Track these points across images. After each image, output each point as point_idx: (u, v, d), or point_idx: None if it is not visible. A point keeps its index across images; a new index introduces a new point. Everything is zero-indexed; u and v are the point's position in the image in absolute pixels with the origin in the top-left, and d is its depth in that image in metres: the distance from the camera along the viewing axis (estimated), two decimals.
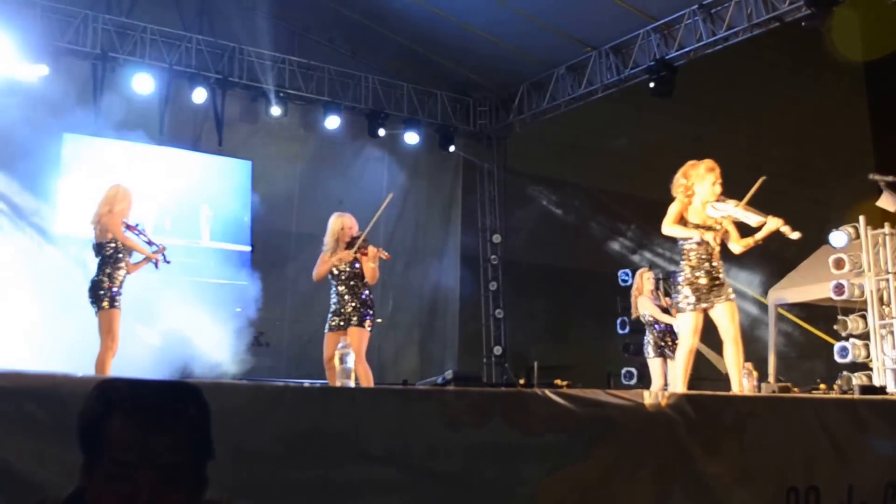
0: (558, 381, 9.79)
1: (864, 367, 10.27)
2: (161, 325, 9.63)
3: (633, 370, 12.54)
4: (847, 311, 10.44)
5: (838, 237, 10.13)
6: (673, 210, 5.91)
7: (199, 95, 11.83)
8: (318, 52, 13.11)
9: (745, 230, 5.93)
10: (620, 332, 12.46)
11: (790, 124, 14.58)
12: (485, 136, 14.86)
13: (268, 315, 11.58)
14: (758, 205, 5.79)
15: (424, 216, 14.27)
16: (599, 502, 3.45)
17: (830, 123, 15.69)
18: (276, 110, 12.46)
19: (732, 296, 5.90)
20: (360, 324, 6.73)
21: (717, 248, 5.88)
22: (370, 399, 3.32)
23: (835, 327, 10.44)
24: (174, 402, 1.77)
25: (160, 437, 1.69)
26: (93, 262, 6.83)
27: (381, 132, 13.36)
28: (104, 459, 1.68)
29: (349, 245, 6.89)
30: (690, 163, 6.03)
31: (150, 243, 7.07)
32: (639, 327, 9.73)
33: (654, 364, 9.09)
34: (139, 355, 8.01)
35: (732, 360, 5.79)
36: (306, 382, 5.10)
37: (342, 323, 6.78)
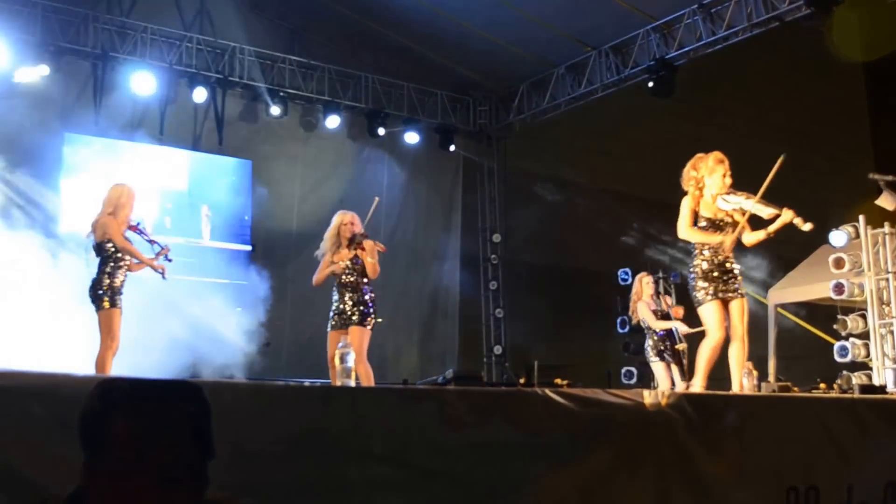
0: (558, 381, 9.77)
1: (863, 366, 10.27)
2: (161, 325, 9.62)
3: (633, 369, 12.55)
4: (847, 311, 10.44)
5: (838, 236, 10.13)
6: (686, 209, 5.86)
7: (200, 95, 11.83)
8: (318, 51, 13.11)
9: (755, 223, 5.90)
10: (620, 331, 12.48)
11: (790, 124, 14.57)
12: (485, 136, 14.85)
13: (268, 314, 11.58)
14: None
15: (424, 216, 14.27)
16: (599, 502, 3.45)
17: (830, 123, 15.68)
18: (275, 110, 12.46)
19: (744, 291, 5.89)
20: (361, 323, 6.73)
21: (729, 242, 5.86)
22: (370, 398, 3.33)
23: (835, 327, 10.44)
24: (175, 402, 1.77)
25: (161, 436, 1.69)
26: (95, 262, 6.83)
27: (381, 131, 13.36)
28: (105, 458, 1.68)
29: (350, 242, 6.88)
30: (699, 155, 5.99)
31: (152, 242, 7.07)
32: (639, 328, 9.77)
33: (657, 368, 9.15)
34: (139, 355, 7.99)
35: (736, 359, 5.77)
36: (306, 382, 5.10)
37: (344, 322, 6.79)
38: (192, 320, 10.49)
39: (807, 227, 5.65)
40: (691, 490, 3.71)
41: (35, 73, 10.60)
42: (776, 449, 4.04)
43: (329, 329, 6.86)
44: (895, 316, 9.96)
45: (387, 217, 13.21)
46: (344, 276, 6.87)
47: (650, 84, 12.00)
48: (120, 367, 6.61)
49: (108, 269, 6.66)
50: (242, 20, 12.54)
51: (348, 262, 6.85)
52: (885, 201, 9.68)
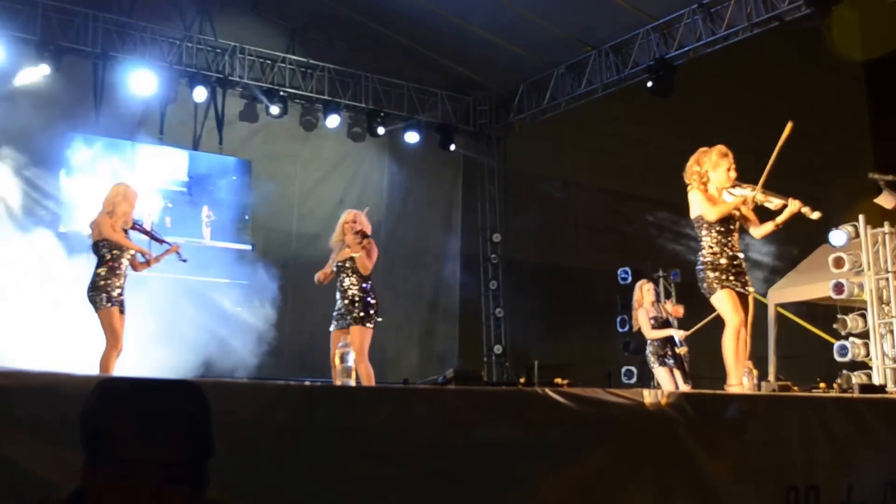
0: (558, 380, 9.76)
1: (863, 365, 10.28)
2: (161, 325, 9.62)
3: (633, 369, 12.56)
4: (847, 310, 10.45)
5: (838, 236, 10.13)
6: (700, 198, 5.78)
7: (200, 94, 11.83)
8: (318, 51, 13.11)
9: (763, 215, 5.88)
10: (620, 330, 12.48)
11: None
12: (485, 136, 14.85)
13: (268, 314, 11.59)
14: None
15: (425, 215, 14.27)
16: (599, 501, 3.46)
17: (830, 123, 15.70)
18: (275, 109, 12.46)
19: (751, 288, 5.86)
20: (362, 322, 6.73)
21: (737, 235, 5.84)
22: (371, 398, 3.33)
23: (834, 326, 10.45)
24: (175, 401, 1.77)
25: (161, 435, 1.69)
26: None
27: (381, 131, 13.37)
28: (105, 458, 1.68)
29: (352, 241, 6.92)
30: (702, 149, 5.93)
31: (160, 242, 7.05)
32: (640, 332, 9.78)
33: (659, 373, 9.18)
34: (139, 355, 8.00)
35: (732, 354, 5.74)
36: (307, 381, 5.11)
37: (345, 321, 6.79)
38: (192, 320, 10.50)
39: (815, 215, 5.62)
40: (691, 489, 3.71)
41: (36, 74, 10.62)
42: (776, 448, 4.04)
43: (332, 329, 6.88)
44: (895, 315, 9.96)
45: (387, 217, 13.22)
46: (345, 276, 6.88)
47: (649, 84, 12.00)
48: (119, 367, 6.60)
49: (103, 269, 6.63)
50: (242, 20, 12.55)
51: (348, 263, 6.86)
52: (884, 200, 9.68)
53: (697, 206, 5.84)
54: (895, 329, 9.97)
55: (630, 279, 12.27)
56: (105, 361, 6.43)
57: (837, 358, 10.32)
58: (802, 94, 15.32)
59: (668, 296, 12.42)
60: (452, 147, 14.11)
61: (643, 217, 13.87)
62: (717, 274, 5.71)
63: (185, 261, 7.18)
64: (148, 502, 1.66)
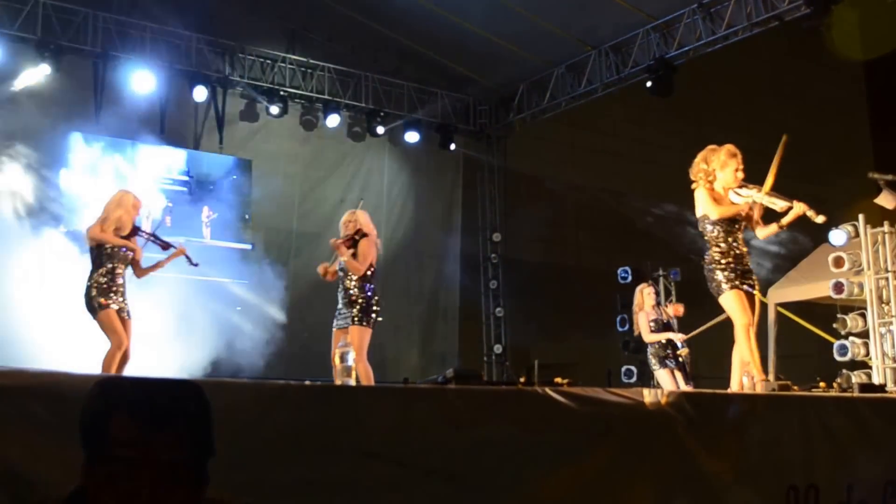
0: (558, 379, 9.76)
1: (863, 365, 10.28)
2: (161, 324, 9.63)
3: (633, 368, 12.56)
4: (846, 310, 10.45)
5: (838, 235, 10.13)
6: (706, 197, 5.79)
7: (200, 94, 11.83)
8: (318, 50, 13.11)
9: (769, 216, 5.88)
10: (620, 329, 12.48)
11: (790, 123, 14.57)
12: (485, 135, 14.85)
13: (268, 313, 11.59)
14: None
15: (425, 215, 14.27)
16: (599, 500, 3.46)
17: (830, 122, 15.71)
18: (275, 109, 12.47)
19: (757, 286, 5.86)
20: (361, 322, 6.74)
21: (742, 233, 5.84)
22: (371, 397, 3.33)
23: (834, 326, 10.44)
24: (175, 400, 1.78)
25: (161, 435, 1.70)
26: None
27: (381, 131, 13.37)
28: (105, 457, 1.69)
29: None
30: (710, 147, 5.92)
31: (165, 247, 7.03)
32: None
33: (661, 375, 9.20)
34: (139, 354, 8.00)
35: (740, 355, 5.75)
36: (307, 381, 5.11)
37: (345, 320, 6.81)
38: (192, 319, 10.50)
39: (820, 218, 5.64)
40: (691, 489, 3.71)
41: (37, 75, 10.62)
42: (776, 447, 4.04)
43: (333, 328, 6.92)
44: (895, 315, 9.96)
45: (387, 216, 13.22)
46: (345, 276, 6.91)
47: (649, 84, 11.99)
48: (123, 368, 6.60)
49: (97, 275, 6.60)
50: (243, 19, 12.54)
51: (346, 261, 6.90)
52: (884, 200, 9.67)
53: (702, 204, 5.84)
54: (895, 329, 9.97)
55: (630, 278, 12.26)
56: (108, 362, 6.41)
57: (837, 357, 10.32)
58: (802, 94, 15.34)
59: (668, 294, 12.43)
60: (452, 147, 14.12)
61: (643, 217, 13.87)
62: (725, 274, 5.71)
63: (196, 265, 7.16)
64: (148, 502, 1.66)
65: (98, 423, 1.71)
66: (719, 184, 5.83)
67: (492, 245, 14.74)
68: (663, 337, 9.14)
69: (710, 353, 9.59)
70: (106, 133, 11.34)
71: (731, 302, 5.71)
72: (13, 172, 10.40)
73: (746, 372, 5.72)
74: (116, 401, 1.74)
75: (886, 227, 10.09)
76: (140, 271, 6.88)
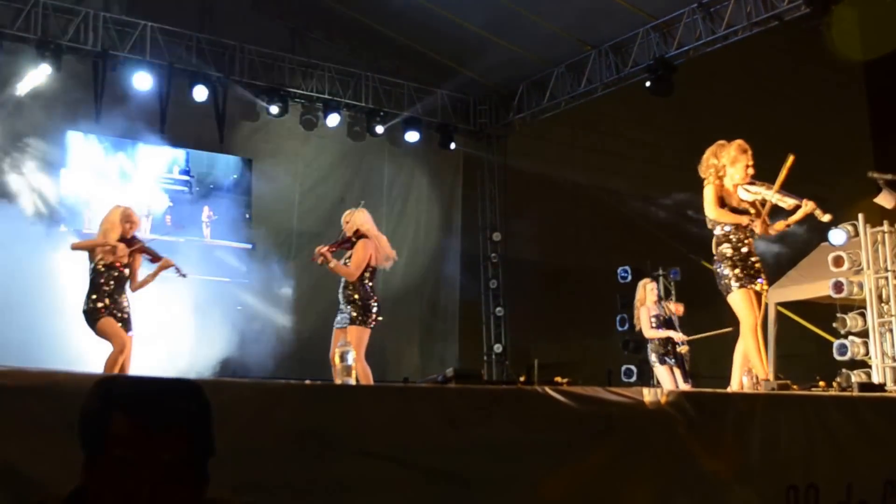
0: (558, 379, 9.77)
1: (863, 364, 10.28)
2: (161, 324, 9.62)
3: (633, 367, 12.56)
4: (846, 309, 10.44)
5: (837, 235, 10.13)
6: (711, 195, 5.78)
7: (200, 93, 11.83)
8: (318, 50, 13.12)
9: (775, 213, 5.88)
10: (620, 329, 12.48)
11: (790, 123, 14.58)
12: (485, 135, 14.85)
13: (268, 313, 11.59)
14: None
15: (425, 214, 14.27)
16: (600, 499, 3.46)
17: (830, 122, 15.69)
18: (276, 108, 12.46)
19: (766, 287, 5.85)
20: (360, 322, 6.75)
21: (752, 233, 5.83)
22: (371, 397, 3.33)
23: (834, 325, 10.45)
24: (175, 400, 1.77)
25: (161, 434, 1.69)
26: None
27: (381, 130, 13.37)
28: (105, 457, 1.69)
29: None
30: (719, 143, 5.90)
31: (154, 260, 7.06)
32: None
33: (660, 372, 9.20)
34: (142, 355, 8.00)
35: (742, 354, 5.74)
36: (307, 380, 5.11)
37: (345, 320, 6.81)
38: (192, 319, 10.50)
39: (826, 217, 5.68)
40: (691, 488, 3.71)
41: (38, 74, 10.61)
42: (776, 447, 4.04)
43: (335, 327, 6.92)
44: (894, 314, 9.96)
45: (387, 216, 13.21)
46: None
47: (649, 83, 11.99)
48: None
49: (91, 291, 6.72)
50: (243, 19, 12.54)
51: (346, 261, 6.91)
52: (884, 199, 9.67)
53: (706, 203, 5.83)
54: (894, 328, 9.97)
55: (630, 278, 12.27)
56: (110, 363, 6.47)
57: (837, 357, 10.32)
58: (802, 94, 15.32)
59: (668, 294, 12.43)
60: (452, 146, 14.12)
61: (643, 216, 13.87)
62: (735, 272, 5.70)
63: (184, 276, 7.19)
64: (148, 501, 1.66)
65: (98, 422, 1.71)
66: (729, 180, 5.81)
67: (492, 244, 14.74)
68: (664, 335, 9.14)
69: (711, 352, 9.61)
70: (106, 133, 11.34)
71: (740, 301, 5.70)
72: (13, 173, 10.41)
73: (748, 371, 5.72)
74: (116, 400, 1.73)
75: (886, 227, 10.09)
76: (135, 285, 6.92)
